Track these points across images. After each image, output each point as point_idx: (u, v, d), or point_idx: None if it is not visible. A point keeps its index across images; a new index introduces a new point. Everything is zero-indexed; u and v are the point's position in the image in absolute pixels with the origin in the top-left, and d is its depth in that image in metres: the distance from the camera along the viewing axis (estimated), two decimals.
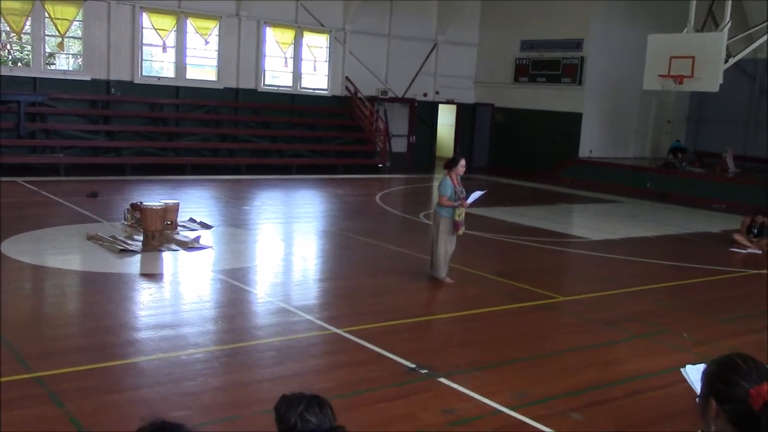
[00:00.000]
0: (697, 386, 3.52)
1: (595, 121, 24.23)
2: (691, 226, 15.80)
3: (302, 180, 19.97)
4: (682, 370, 3.62)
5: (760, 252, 12.99)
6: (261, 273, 9.80)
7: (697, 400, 2.23)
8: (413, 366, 6.31)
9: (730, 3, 17.18)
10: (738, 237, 13.41)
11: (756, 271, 11.69)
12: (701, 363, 3.56)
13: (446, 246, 9.31)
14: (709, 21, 17.76)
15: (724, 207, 18.95)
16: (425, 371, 6.22)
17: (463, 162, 9.30)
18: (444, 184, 9.21)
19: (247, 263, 10.37)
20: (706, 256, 12.72)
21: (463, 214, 9.27)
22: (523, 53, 25.36)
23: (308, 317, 7.64)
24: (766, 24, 17.55)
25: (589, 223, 16.21)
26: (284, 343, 6.82)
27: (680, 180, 21.39)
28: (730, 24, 17.03)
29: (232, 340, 6.84)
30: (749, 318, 8.73)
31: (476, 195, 9.29)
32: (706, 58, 16.74)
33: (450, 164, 9.30)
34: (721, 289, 10.29)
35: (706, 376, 2.16)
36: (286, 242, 12.19)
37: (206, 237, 11.32)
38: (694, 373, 3.72)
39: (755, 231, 13.38)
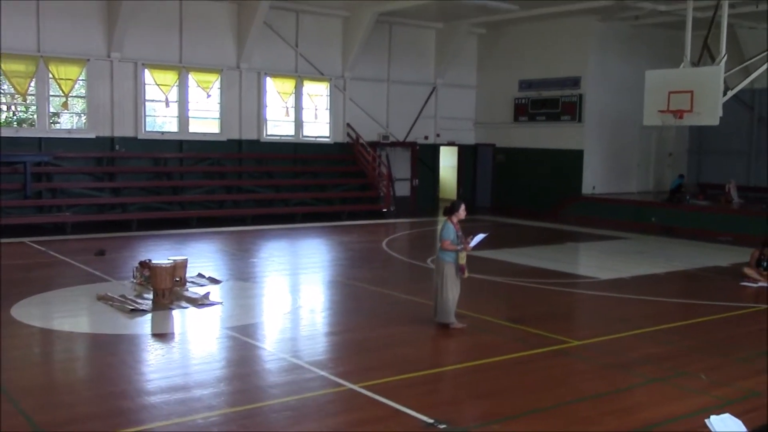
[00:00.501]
0: None
1: (597, 157, 24.35)
2: (699, 261, 15.76)
3: (307, 228, 20.02)
4: (707, 421, 3.61)
5: None
6: (272, 328, 9.77)
7: None
8: (431, 421, 6.25)
9: (725, 36, 17.36)
10: (748, 270, 13.37)
11: None
12: (725, 413, 3.55)
13: (454, 291, 9.37)
14: (705, 55, 17.92)
15: (731, 239, 18.93)
16: (444, 426, 6.16)
17: (463, 207, 9.50)
18: (446, 229, 9.34)
19: (258, 318, 10.34)
20: (717, 291, 12.66)
21: (465, 258, 9.36)
22: (522, 93, 25.61)
23: (322, 373, 7.60)
24: (763, 55, 17.69)
25: (597, 262, 16.18)
26: (300, 402, 6.77)
27: (685, 213, 21.40)
28: (726, 57, 17.19)
29: (247, 401, 6.80)
30: (765, 355, 8.65)
31: (479, 238, 9.40)
32: (705, 91, 16.84)
33: (450, 210, 9.48)
34: (736, 326, 10.22)
35: None
36: (294, 295, 12.17)
37: (215, 292, 11.32)
38: (719, 425, 3.70)
39: (765, 264, 13.34)
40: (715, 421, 3.56)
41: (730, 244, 18.26)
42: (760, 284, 12.98)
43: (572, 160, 24.23)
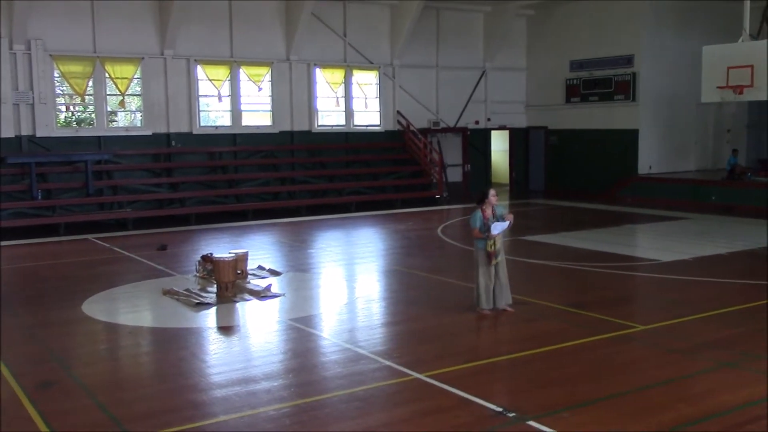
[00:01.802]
0: None
1: (652, 136, 23.90)
2: (762, 240, 15.36)
3: (362, 217, 20.14)
4: None
5: None
6: (333, 319, 9.87)
7: None
8: (500, 409, 6.27)
9: None
10: None
11: None
12: None
13: (486, 278, 9.46)
14: (765, 27, 17.45)
15: None
16: (513, 414, 6.17)
17: (492, 192, 9.53)
18: (474, 217, 9.44)
19: (319, 309, 10.46)
20: None
21: (497, 244, 9.42)
22: (573, 73, 25.25)
23: (387, 363, 7.67)
24: None
25: (657, 243, 15.91)
26: (368, 392, 6.85)
27: (746, 191, 20.88)
28: None
29: (316, 392, 6.90)
30: None
31: (500, 225, 9.35)
32: (765, 65, 16.40)
33: (480, 199, 9.53)
34: None
35: None
36: (354, 284, 12.28)
37: (276, 284, 11.48)
38: None
39: None
40: None
41: None
42: None
43: (627, 139, 23.83)
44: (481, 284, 9.52)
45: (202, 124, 21.39)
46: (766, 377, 7.05)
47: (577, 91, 25.21)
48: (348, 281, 12.46)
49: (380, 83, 24.06)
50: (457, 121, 25.60)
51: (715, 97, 17.68)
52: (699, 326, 8.97)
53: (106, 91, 19.95)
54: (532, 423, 5.99)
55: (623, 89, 23.80)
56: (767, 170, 22.96)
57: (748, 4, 17.26)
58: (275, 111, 22.31)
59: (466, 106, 25.73)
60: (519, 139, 27.11)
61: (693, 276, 11.97)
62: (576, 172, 25.27)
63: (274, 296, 10.76)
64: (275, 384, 7.14)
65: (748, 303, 10.05)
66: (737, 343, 8.21)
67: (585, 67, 24.86)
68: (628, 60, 23.58)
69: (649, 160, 23.93)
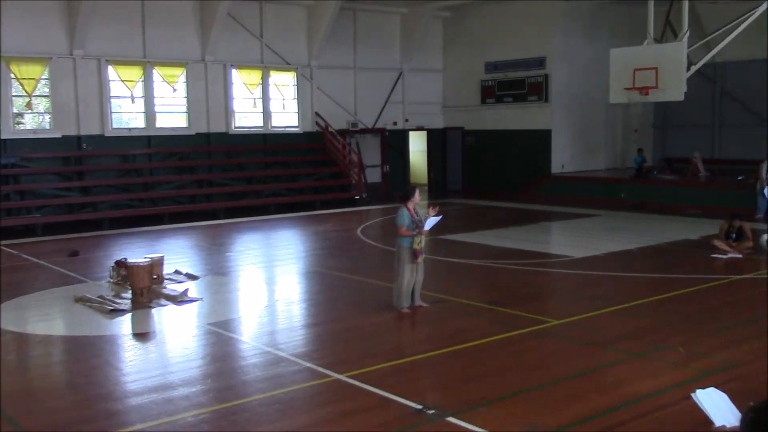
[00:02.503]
0: (711, 412, 3.62)
1: (565, 136, 24.58)
2: (669, 235, 16.02)
3: (281, 219, 19.99)
4: (693, 396, 3.72)
5: (740, 256, 13.22)
6: (253, 322, 9.77)
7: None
8: (420, 407, 6.33)
9: (687, 12, 17.60)
10: (718, 243, 13.63)
11: (739, 277, 11.91)
12: (710, 387, 3.66)
13: (410, 276, 9.56)
14: (668, 31, 18.16)
15: (699, 212, 19.27)
16: (432, 412, 6.24)
17: (417, 192, 9.69)
18: (401, 215, 9.52)
19: (238, 313, 10.34)
20: (688, 264, 12.91)
21: (423, 242, 9.56)
22: (488, 75, 25.72)
23: (308, 364, 7.64)
24: (723, 29, 17.97)
25: (571, 240, 16.37)
26: (288, 395, 6.80)
27: (653, 189, 21.73)
28: (688, 32, 17.44)
29: (236, 397, 6.81)
30: (741, 325, 8.88)
31: (433, 221, 9.53)
32: (669, 67, 17.10)
33: (404, 197, 9.66)
34: (709, 298, 10.44)
35: (746, 424, 2.24)
36: (274, 287, 12.17)
37: (194, 288, 11.28)
38: (705, 399, 3.81)
39: (734, 236, 13.62)
40: (701, 395, 3.67)
41: (699, 217, 18.58)
42: (730, 255, 13.25)
43: (541, 139, 24.43)
44: (404, 283, 9.58)
45: (114, 126, 20.80)
46: (672, 366, 7.35)
47: (493, 93, 25.69)
48: (267, 284, 12.35)
49: (298, 84, 23.94)
50: (376, 122, 25.72)
51: (623, 98, 18.31)
52: (611, 319, 9.28)
53: (11, 93, 19.15)
54: (451, 419, 6.07)
55: (536, 90, 24.39)
56: (672, 168, 23.97)
57: (652, 9, 17.95)
58: (191, 112, 21.91)
59: (384, 107, 25.87)
60: (436, 140, 27.44)
61: (604, 271, 12.36)
62: (492, 172, 25.75)
63: (192, 301, 10.57)
64: (193, 390, 7.01)
65: (656, 296, 10.46)
66: (646, 334, 8.53)
67: (500, 68, 25.37)
68: (541, 62, 24.19)
69: (562, 160, 24.59)
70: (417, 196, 9.63)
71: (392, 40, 25.95)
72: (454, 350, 8.06)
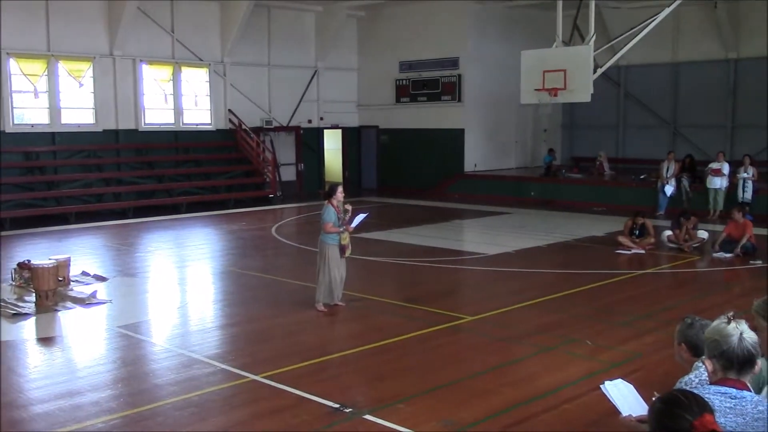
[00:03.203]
0: (618, 403, 3.76)
1: (477, 135, 25.01)
2: (577, 232, 16.54)
3: (194, 218, 19.60)
4: (601, 386, 3.84)
5: (643, 251, 13.78)
6: (166, 324, 9.56)
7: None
8: (337, 406, 6.34)
9: (593, 16, 18.18)
10: (622, 239, 14.17)
11: (642, 271, 12.41)
12: (617, 378, 3.79)
13: (335, 273, 9.58)
14: (576, 34, 18.71)
15: (605, 209, 19.97)
16: (350, 410, 6.26)
17: (340, 189, 9.71)
18: (327, 212, 9.53)
19: (150, 315, 10.09)
20: (595, 260, 13.36)
21: (348, 238, 9.61)
22: (403, 74, 25.92)
23: (222, 366, 7.53)
24: (627, 34, 18.65)
25: (483, 238, 16.69)
26: (203, 398, 6.69)
27: (561, 187, 22.39)
28: (594, 36, 18.02)
29: (148, 401, 6.65)
30: (643, 318, 9.26)
31: (360, 218, 9.68)
32: (577, 70, 17.60)
33: (328, 194, 9.68)
34: (614, 292, 10.83)
35: (654, 414, 2.34)
36: (186, 288, 11.93)
37: (102, 290, 10.94)
38: (612, 390, 3.95)
39: (637, 232, 14.18)
40: (609, 386, 3.80)
41: (604, 214, 19.25)
42: (634, 251, 13.80)
43: (454, 138, 24.79)
44: (327, 281, 9.55)
45: (16, 122, 19.92)
46: (580, 359, 7.61)
47: (407, 92, 25.90)
48: (180, 284, 12.09)
49: (211, 81, 23.52)
50: (290, 120, 25.53)
51: (533, 99, 18.75)
52: (522, 314, 9.51)
53: None
54: (368, 417, 6.11)
55: (450, 90, 24.73)
56: (579, 167, 24.76)
57: (560, 13, 18.46)
58: (98, 109, 21.19)
59: (298, 105, 25.71)
60: (351, 138, 27.47)
61: (516, 267, 12.67)
62: (407, 170, 25.96)
63: (100, 303, 10.25)
64: (103, 395, 6.81)
65: (565, 291, 10.77)
66: (556, 329, 8.79)
67: (414, 68, 25.60)
68: (454, 62, 24.54)
69: (475, 158, 25.02)
70: (339, 193, 9.63)
71: (307, 38, 25.81)
72: (371, 348, 8.10)
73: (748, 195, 17.91)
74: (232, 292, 11.39)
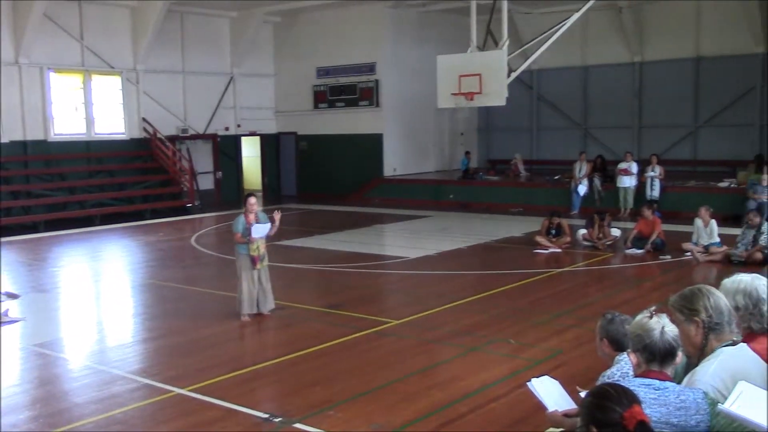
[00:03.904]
0: (544, 399, 3.87)
1: (396, 140, 25.21)
2: (495, 233, 16.88)
3: (109, 230, 19.07)
4: (527, 383, 3.95)
5: (560, 250, 14.19)
6: (85, 340, 9.28)
7: (578, 428, 2.50)
8: (266, 416, 6.30)
9: (506, 21, 18.62)
10: (539, 239, 14.55)
11: (560, 270, 12.78)
12: (543, 375, 3.91)
13: (250, 283, 9.47)
14: (489, 39, 19.11)
15: (522, 210, 20.46)
16: (279, 419, 6.23)
17: (251, 199, 9.59)
18: (236, 222, 9.51)
19: (67, 331, 9.77)
20: (514, 260, 13.67)
21: (262, 249, 9.44)
22: (320, 80, 25.90)
23: (147, 381, 7.37)
24: (538, 39, 19.16)
25: (405, 242, 16.85)
26: (127, 414, 6.53)
27: (479, 189, 22.82)
28: (508, 41, 18.46)
29: (69, 420, 6.45)
30: (562, 315, 9.53)
31: (259, 229, 9.42)
32: (491, 74, 17.97)
33: (244, 204, 9.59)
34: (534, 291, 11.11)
35: (584, 407, 2.43)
36: (104, 302, 11.61)
37: (15, 308, 10.52)
38: (539, 386, 4.07)
39: (553, 231, 14.59)
40: (535, 382, 3.92)
41: (521, 215, 19.72)
42: (551, 250, 14.19)
43: (373, 143, 24.92)
44: (244, 290, 9.48)
45: None
46: (504, 358, 7.78)
47: (325, 97, 25.89)
48: (97, 299, 11.77)
49: (123, 89, 22.94)
50: (207, 128, 25.15)
51: (450, 103, 19.04)
52: (446, 316, 9.65)
53: None
54: (298, 425, 6.09)
55: (367, 95, 24.85)
56: (496, 169, 25.30)
57: (474, 18, 18.82)
58: (4, 119, 20.35)
59: (215, 112, 25.36)
60: (270, 145, 27.27)
61: (438, 270, 12.84)
62: (326, 176, 25.95)
63: (13, 321, 9.85)
64: (20, 417, 6.56)
65: (487, 291, 10.99)
66: (479, 329, 8.96)
67: (331, 74, 25.61)
68: (371, 68, 24.68)
69: (394, 163, 25.22)
70: (248, 203, 9.50)
71: (222, 44, 25.49)
72: (298, 356, 8.07)
73: (656, 193, 18.67)
74: (153, 305, 11.15)
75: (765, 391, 2.10)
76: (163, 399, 6.89)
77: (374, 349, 8.37)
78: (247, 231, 9.37)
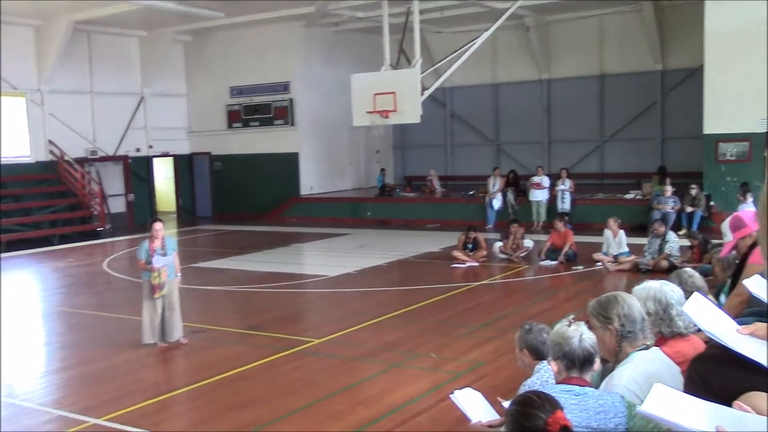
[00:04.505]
0: (467, 410, 3.93)
1: (312, 158, 25.18)
2: (413, 249, 17.03)
3: (14, 258, 18.26)
4: (450, 396, 4.01)
5: (477, 264, 14.45)
6: None
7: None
8: None
9: (418, 40, 18.93)
10: (456, 253, 14.77)
11: (477, 283, 13.01)
12: (466, 387, 3.98)
13: (151, 311, 9.13)
14: (402, 58, 19.40)
15: (438, 225, 20.73)
16: None
17: (156, 226, 9.27)
18: (139, 248, 9.26)
19: None
20: (433, 275, 13.80)
21: (162, 277, 9.10)
22: (234, 99, 25.65)
23: (60, 413, 7.10)
24: (449, 57, 19.55)
25: (324, 260, 16.81)
26: None
27: (396, 206, 23.01)
28: (420, 59, 18.77)
29: None
30: (482, 328, 9.70)
31: (163, 259, 9.08)
32: (405, 92, 18.22)
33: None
34: (453, 305, 11.26)
35: (509, 415, 2.49)
36: (12, 331, 11.11)
37: None
38: (461, 398, 4.13)
39: (470, 246, 14.84)
40: (458, 395, 3.98)
41: (438, 230, 19.97)
42: (468, 264, 14.43)
43: (289, 162, 24.81)
44: (145, 317, 9.15)
45: None
46: (426, 372, 7.85)
47: (239, 117, 25.64)
48: (4, 329, 11.22)
49: (28, 110, 22.12)
50: (117, 149, 24.50)
51: (365, 121, 19.19)
52: (368, 333, 9.67)
53: None
54: None
55: (282, 114, 24.76)
56: (412, 186, 25.59)
57: (387, 37, 19.08)
58: None
59: (125, 133, 24.74)
60: (183, 166, 26.79)
61: (358, 287, 12.86)
62: (242, 196, 25.65)
63: None
64: None
65: (407, 307, 11.08)
66: (401, 344, 9.01)
67: (245, 93, 25.40)
68: (285, 87, 24.61)
69: (310, 181, 25.16)
70: (153, 228, 9.17)
71: (131, 63, 24.93)
72: (217, 380, 7.93)
73: (567, 205, 19.25)
74: (64, 333, 10.75)
75: (679, 392, 2.21)
76: (78, 430, 6.64)
77: (297, 369, 8.30)
78: (150, 258, 9.10)
